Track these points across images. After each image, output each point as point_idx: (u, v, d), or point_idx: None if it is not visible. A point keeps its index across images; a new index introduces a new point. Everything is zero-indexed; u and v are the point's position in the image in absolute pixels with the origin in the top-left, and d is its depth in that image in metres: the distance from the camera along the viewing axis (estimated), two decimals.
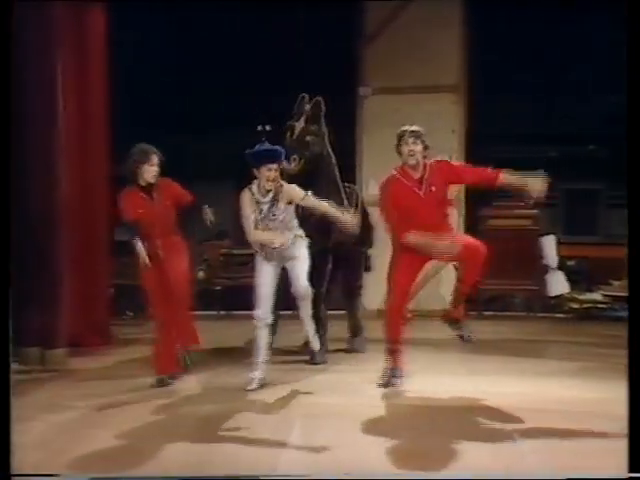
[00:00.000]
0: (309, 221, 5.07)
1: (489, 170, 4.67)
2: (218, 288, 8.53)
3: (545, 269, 8.40)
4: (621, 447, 3.54)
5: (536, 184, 4.49)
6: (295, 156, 5.17)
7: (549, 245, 8.44)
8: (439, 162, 4.77)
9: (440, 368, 5.31)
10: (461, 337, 4.81)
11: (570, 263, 9.20)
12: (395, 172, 4.81)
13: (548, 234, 8.52)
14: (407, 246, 4.63)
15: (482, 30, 8.38)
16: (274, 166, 4.65)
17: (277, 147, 4.76)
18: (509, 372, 5.17)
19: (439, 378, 5.00)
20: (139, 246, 4.66)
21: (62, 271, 5.49)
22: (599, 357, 5.93)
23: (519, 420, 4.09)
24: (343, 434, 3.81)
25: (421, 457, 3.51)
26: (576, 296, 8.48)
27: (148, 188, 4.74)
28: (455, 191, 8.30)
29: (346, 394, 4.67)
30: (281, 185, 4.73)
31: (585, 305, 8.62)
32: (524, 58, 9.05)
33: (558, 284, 8.43)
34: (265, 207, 4.70)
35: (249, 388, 4.69)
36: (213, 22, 8.46)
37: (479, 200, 8.27)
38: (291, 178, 5.07)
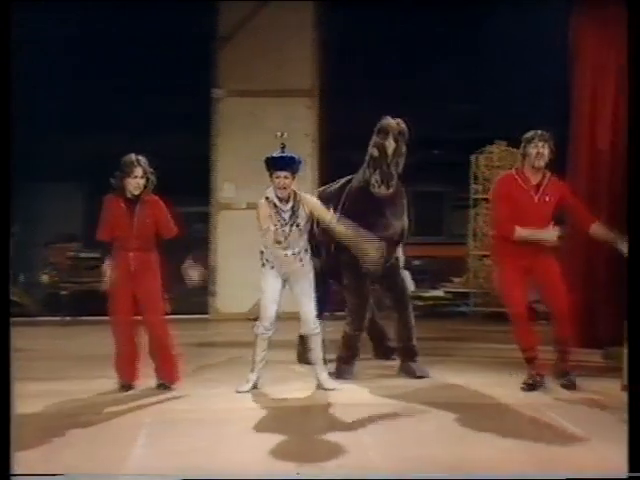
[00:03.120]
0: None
1: (588, 213, 4.83)
2: (65, 293, 8.20)
3: None
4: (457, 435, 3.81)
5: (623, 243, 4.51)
6: (394, 182, 4.96)
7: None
8: (558, 178, 4.84)
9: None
10: (566, 387, 4.82)
11: (416, 263, 9.66)
12: (513, 172, 4.86)
13: None
14: (510, 248, 4.70)
15: (335, 35, 8.60)
16: (285, 173, 4.59)
17: (292, 155, 4.69)
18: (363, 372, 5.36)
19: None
20: (105, 268, 4.72)
21: None
22: (448, 351, 6.30)
23: (366, 416, 4.22)
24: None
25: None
26: (420, 294, 8.89)
27: (132, 200, 4.68)
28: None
29: None
30: (295, 193, 4.68)
31: (429, 302, 9.08)
32: (376, 62, 9.34)
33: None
34: (287, 215, 4.65)
35: (240, 390, 4.73)
36: (63, 23, 8.13)
37: None
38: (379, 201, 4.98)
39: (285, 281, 4.77)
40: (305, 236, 4.76)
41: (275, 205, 4.65)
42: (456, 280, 9.16)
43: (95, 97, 8.83)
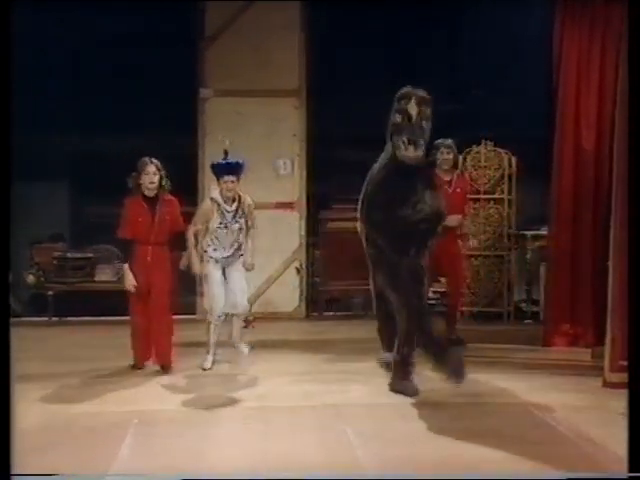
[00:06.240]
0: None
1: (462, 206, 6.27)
2: (51, 293, 8.15)
3: None
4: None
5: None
6: (422, 142, 4.53)
7: None
8: (464, 175, 6.94)
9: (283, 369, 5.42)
10: (455, 342, 5.57)
11: None
12: None
13: None
14: None
15: (322, 34, 8.59)
16: (232, 178, 5.20)
17: (238, 160, 5.25)
18: (348, 371, 5.36)
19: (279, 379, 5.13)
20: (127, 270, 5.30)
21: None
22: None
23: (354, 417, 4.26)
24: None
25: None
26: None
27: (152, 199, 5.30)
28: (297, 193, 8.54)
29: None
30: (239, 195, 5.27)
31: None
32: (362, 61, 9.33)
33: None
34: (230, 215, 5.24)
35: (205, 367, 5.33)
36: (44, 22, 8.09)
37: (319, 203, 8.48)
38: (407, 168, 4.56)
39: (224, 270, 5.32)
40: (244, 232, 5.31)
41: (219, 205, 5.22)
42: (443, 280, 9.17)
43: (80, 96, 8.78)
